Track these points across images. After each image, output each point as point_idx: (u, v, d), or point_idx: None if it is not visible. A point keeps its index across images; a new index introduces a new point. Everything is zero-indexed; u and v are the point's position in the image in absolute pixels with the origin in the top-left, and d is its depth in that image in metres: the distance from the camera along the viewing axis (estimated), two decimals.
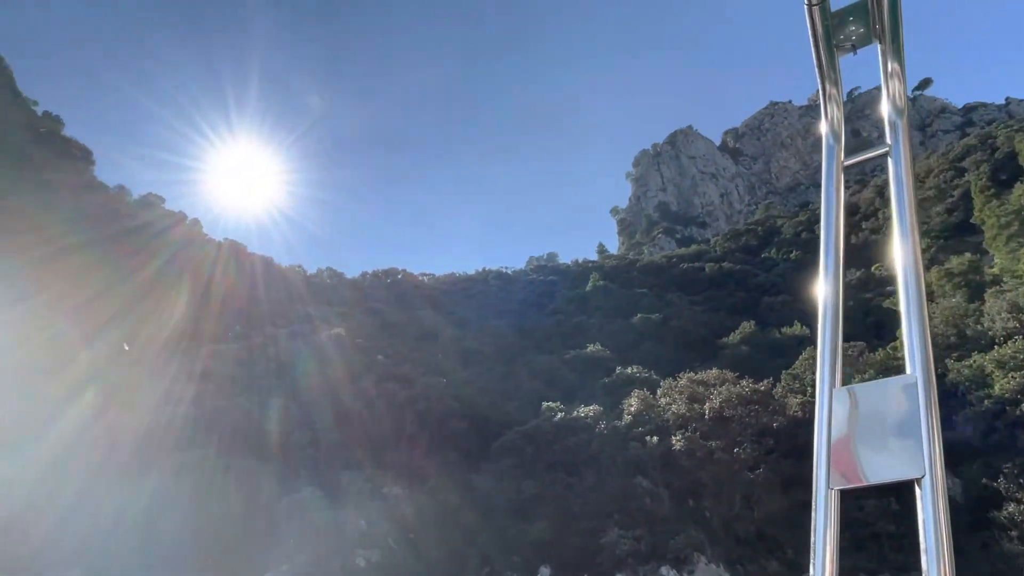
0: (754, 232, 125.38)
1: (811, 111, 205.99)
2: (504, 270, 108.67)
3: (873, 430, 1.44)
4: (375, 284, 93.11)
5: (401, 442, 43.91)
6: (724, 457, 33.17)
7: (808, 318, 60.64)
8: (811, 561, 1.41)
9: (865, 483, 1.40)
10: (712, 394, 35.50)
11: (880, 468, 1.40)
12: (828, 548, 1.40)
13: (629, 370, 49.72)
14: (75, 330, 52.41)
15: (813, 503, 1.45)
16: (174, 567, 32.98)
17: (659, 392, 39.69)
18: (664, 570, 29.24)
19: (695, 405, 35.98)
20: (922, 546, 1.26)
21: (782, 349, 56.22)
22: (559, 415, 39.38)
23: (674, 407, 37.40)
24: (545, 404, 41.75)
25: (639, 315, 72.06)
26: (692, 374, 39.76)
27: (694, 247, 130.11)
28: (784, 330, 60.49)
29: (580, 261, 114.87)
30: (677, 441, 34.21)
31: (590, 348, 59.50)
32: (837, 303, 1.67)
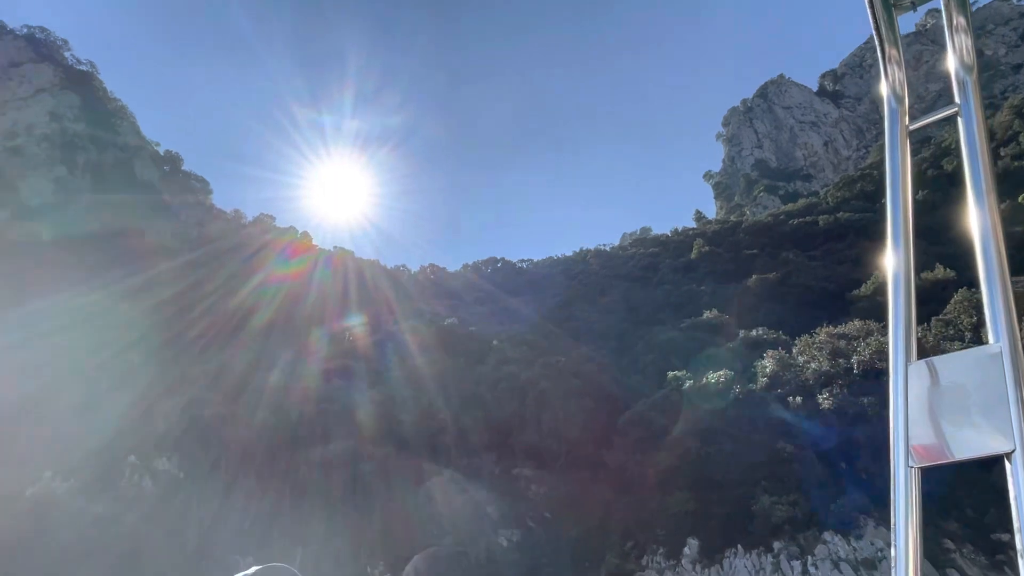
0: (870, 177, 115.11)
1: (920, 37, 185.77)
2: (603, 247, 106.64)
3: (956, 404, 1.37)
4: (476, 275, 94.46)
5: (527, 422, 44.15)
6: (881, 413, 30.43)
7: (949, 259, 54.70)
8: (892, 543, 1.35)
9: (949, 460, 1.34)
10: (859, 347, 32.69)
11: (965, 443, 1.33)
12: (911, 531, 1.34)
13: (754, 333, 47.10)
14: (205, 336, 57.02)
15: (892, 483, 1.38)
16: (326, 553, 35.04)
17: (795, 350, 37.17)
18: (828, 536, 27.29)
19: (839, 360, 33.33)
20: (1015, 524, 1.22)
21: (924, 296, 51.12)
22: (687, 383, 37.89)
23: (814, 364, 34.89)
24: (671, 374, 40.37)
25: (754, 276, 68.23)
26: (830, 328, 36.90)
27: (802, 202, 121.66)
28: (924, 275, 54.91)
29: (680, 230, 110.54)
30: (824, 400, 31.85)
31: (706, 315, 57.04)
32: (908, 273, 1.59)
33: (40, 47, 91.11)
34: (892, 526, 1.36)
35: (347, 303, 74.64)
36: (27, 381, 39.01)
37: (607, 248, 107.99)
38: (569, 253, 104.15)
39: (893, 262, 1.62)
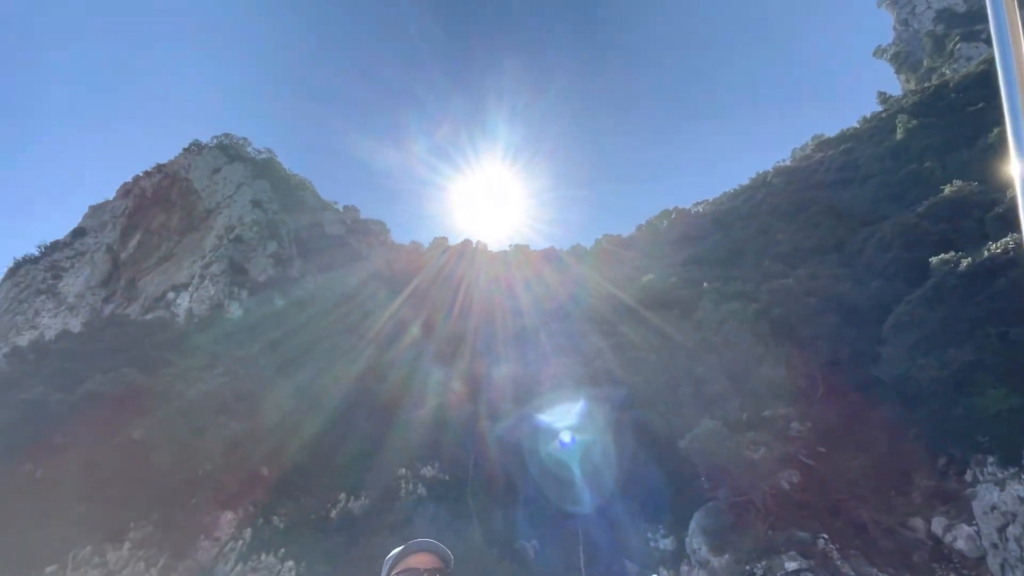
0: None
1: None
2: (782, 163, 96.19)
3: None
4: (652, 231, 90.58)
5: (765, 356, 40.33)
6: None
7: None
8: None
9: None
10: None
11: None
12: None
13: None
14: (428, 350, 60.62)
15: None
16: (606, 518, 34.75)
17: None
18: None
19: None
20: None
21: None
22: (963, 264, 31.60)
23: None
24: (935, 259, 34.06)
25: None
26: None
27: None
28: None
29: (869, 116, 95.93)
30: None
31: (946, 190, 47.87)
32: None
33: (229, 150, 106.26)
34: None
35: (531, 293, 75.79)
36: (315, 418, 44.29)
37: (786, 162, 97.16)
38: (746, 182, 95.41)
39: (1014, 143, 1.29)
